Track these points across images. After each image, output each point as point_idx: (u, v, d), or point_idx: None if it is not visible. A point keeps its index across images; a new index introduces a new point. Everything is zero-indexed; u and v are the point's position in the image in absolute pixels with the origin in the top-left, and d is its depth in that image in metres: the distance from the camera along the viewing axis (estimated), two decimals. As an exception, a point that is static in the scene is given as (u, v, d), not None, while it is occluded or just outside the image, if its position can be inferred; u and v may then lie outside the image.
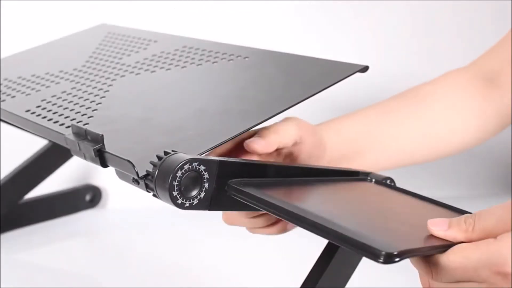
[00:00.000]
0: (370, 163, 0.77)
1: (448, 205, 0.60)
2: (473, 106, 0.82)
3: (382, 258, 0.45)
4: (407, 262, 0.50)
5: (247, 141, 0.64)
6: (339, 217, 0.52)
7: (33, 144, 1.11)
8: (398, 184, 0.68)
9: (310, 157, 0.70)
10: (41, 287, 0.94)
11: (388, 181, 0.69)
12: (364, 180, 0.69)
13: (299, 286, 0.63)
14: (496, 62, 0.83)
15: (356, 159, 0.75)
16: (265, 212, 0.55)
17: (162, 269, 1.01)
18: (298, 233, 1.02)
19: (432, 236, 0.51)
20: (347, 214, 0.56)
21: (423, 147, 0.81)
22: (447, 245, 0.50)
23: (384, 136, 0.78)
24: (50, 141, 1.09)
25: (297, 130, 0.67)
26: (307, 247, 0.78)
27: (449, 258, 0.49)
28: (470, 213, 0.53)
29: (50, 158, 1.11)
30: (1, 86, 0.83)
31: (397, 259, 0.46)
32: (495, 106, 0.82)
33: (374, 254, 0.46)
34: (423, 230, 0.52)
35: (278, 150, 0.68)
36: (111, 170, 0.61)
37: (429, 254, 0.50)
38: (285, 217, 0.53)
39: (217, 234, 1.11)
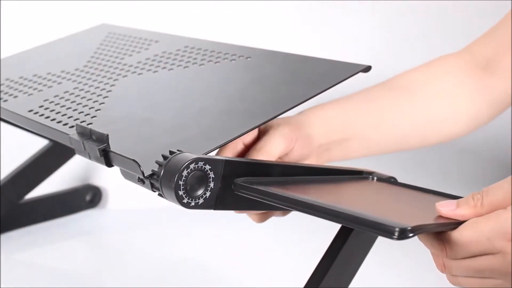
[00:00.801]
0: (354, 149, 0.76)
1: (453, 195, 0.60)
2: (465, 94, 0.81)
3: (396, 234, 0.46)
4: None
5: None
6: (348, 205, 0.53)
7: (33, 144, 1.11)
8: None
9: (301, 158, 0.70)
10: (41, 287, 0.94)
11: (391, 180, 0.69)
12: (367, 178, 0.70)
13: (303, 285, 0.63)
14: (490, 48, 0.82)
15: (341, 145, 0.75)
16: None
17: (162, 269, 1.01)
18: (300, 232, 1.03)
19: (441, 217, 0.52)
20: (355, 203, 0.57)
21: (411, 135, 0.80)
22: (458, 222, 0.51)
23: (371, 124, 0.77)
24: (51, 141, 1.09)
25: (285, 144, 0.67)
26: (309, 247, 0.78)
27: (462, 233, 0.50)
28: None
29: (50, 158, 1.11)
30: (3, 86, 0.83)
31: (410, 234, 0.46)
32: (487, 94, 0.81)
33: (388, 231, 0.46)
34: (432, 213, 0.52)
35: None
36: (111, 170, 0.61)
37: (441, 230, 0.51)
38: (297, 208, 0.53)
39: (219, 233, 1.11)
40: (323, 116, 0.74)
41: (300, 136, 0.69)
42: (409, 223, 0.47)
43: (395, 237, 0.46)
